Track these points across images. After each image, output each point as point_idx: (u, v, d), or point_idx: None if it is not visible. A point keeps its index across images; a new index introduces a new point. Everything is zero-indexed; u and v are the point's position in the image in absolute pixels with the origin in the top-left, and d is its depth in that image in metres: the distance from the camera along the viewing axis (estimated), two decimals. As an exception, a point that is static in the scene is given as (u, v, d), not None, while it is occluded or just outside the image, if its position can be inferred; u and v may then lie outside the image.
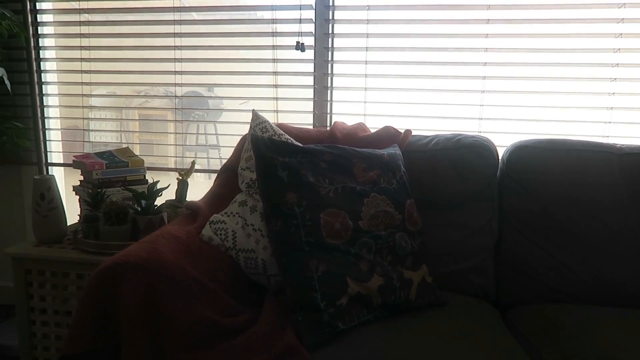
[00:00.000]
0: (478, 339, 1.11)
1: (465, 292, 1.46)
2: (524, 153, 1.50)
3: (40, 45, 2.16)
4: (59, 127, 2.26)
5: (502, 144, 1.70)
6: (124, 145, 2.05)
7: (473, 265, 1.47)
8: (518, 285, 1.46)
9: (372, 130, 1.64)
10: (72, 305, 1.48)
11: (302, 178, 1.21)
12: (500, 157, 1.56)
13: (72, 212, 1.81)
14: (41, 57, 2.18)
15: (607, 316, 1.27)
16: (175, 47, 2.06)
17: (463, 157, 1.48)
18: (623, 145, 1.51)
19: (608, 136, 1.80)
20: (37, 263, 1.47)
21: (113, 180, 1.66)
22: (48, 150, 2.25)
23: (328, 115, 2.02)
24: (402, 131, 1.60)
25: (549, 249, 1.44)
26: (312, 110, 2.01)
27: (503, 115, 1.87)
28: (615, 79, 1.76)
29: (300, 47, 1.90)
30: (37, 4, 2.12)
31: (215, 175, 1.62)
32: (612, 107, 1.78)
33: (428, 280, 1.30)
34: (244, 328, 1.09)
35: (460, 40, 1.85)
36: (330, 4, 1.92)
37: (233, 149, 1.64)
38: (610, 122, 1.80)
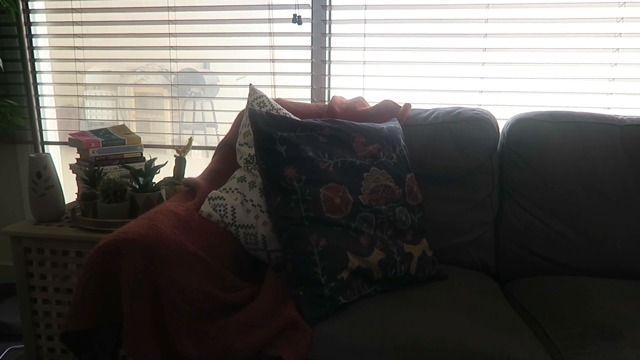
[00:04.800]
0: (478, 310, 1.11)
1: (466, 265, 1.47)
2: (524, 126, 1.48)
3: (31, 21, 2.12)
4: (54, 105, 2.23)
5: (503, 116, 1.68)
6: (120, 123, 2.02)
7: (473, 238, 1.47)
8: (518, 257, 1.46)
9: (371, 105, 1.62)
10: (73, 283, 1.48)
11: (301, 152, 1.19)
12: (500, 130, 1.55)
13: (70, 190, 1.80)
14: (32, 33, 2.13)
15: (605, 287, 1.28)
16: (169, 22, 2.01)
17: (463, 130, 1.46)
18: (625, 116, 1.49)
19: (610, 108, 1.79)
20: (36, 241, 1.46)
21: (110, 158, 1.64)
22: (43, 128, 2.23)
23: (326, 90, 1.99)
24: (402, 105, 1.58)
25: (549, 221, 1.44)
26: (309, 84, 1.99)
27: (504, 87, 1.84)
28: (618, 49, 1.73)
29: (297, 20, 1.87)
30: (26, -22, 2.07)
31: (213, 152, 1.61)
32: (614, 78, 1.76)
33: (428, 254, 1.30)
34: (244, 303, 1.09)
35: (460, 11, 1.81)
36: (327, -25, 1.88)
37: (230, 125, 1.62)
38: (612, 94, 1.78)
